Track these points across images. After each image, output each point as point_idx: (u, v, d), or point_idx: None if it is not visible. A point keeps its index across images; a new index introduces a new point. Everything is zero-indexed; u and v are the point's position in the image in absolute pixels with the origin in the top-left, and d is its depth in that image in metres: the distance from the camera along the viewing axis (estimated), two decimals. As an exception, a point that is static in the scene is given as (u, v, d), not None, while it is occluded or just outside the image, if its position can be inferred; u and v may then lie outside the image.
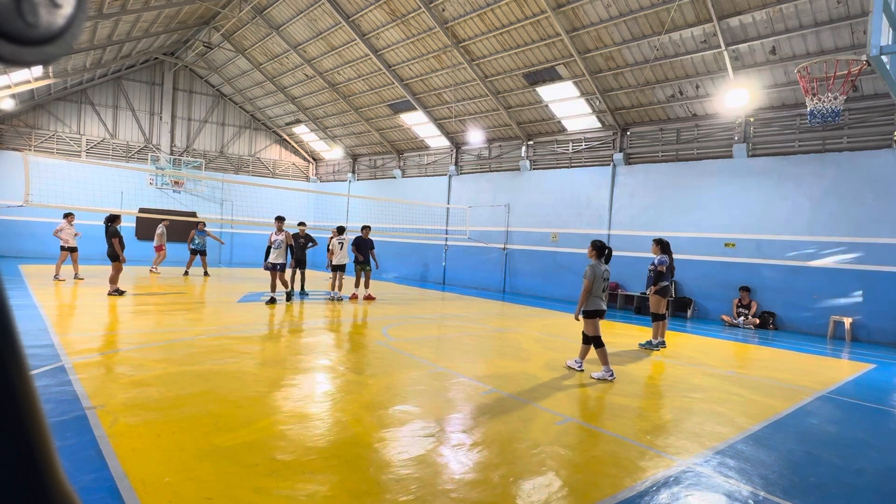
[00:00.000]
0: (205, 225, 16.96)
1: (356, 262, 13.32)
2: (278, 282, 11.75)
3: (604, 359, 6.55)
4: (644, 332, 10.40)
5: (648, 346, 8.87)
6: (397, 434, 4.29)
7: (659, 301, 8.90)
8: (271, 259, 11.69)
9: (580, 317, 6.73)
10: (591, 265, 6.69)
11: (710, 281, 13.47)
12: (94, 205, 16.94)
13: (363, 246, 13.27)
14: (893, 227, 10.97)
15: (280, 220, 11.91)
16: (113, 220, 11.62)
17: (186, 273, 16.68)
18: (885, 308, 11.00)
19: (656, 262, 8.88)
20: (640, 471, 3.84)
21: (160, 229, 16.76)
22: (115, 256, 11.41)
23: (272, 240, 11.78)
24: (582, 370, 6.84)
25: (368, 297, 13.39)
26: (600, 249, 6.76)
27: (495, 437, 4.32)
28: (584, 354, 6.89)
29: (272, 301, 11.47)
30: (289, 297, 12.09)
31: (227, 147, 24.81)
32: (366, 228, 13.57)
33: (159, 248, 16.81)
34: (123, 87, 21.98)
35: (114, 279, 11.37)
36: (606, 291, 6.78)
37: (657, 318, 8.93)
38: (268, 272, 11.86)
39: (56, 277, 13.34)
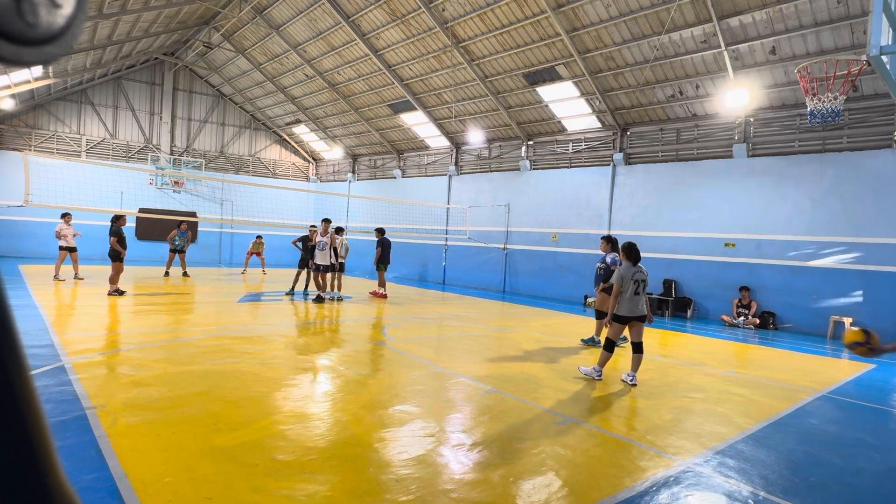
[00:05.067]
0: (188, 227, 16.92)
1: (379, 262, 14.00)
2: (325, 281, 12.42)
3: (603, 361, 6.52)
4: (647, 333, 10.37)
5: (592, 343, 8.80)
6: (397, 434, 4.29)
7: (605, 299, 8.43)
8: (317, 260, 12.27)
9: (610, 321, 6.51)
10: (620, 269, 6.39)
11: (710, 281, 13.46)
12: (95, 205, 16.93)
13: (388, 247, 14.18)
14: (893, 227, 10.97)
15: (326, 221, 12.36)
16: (116, 219, 11.66)
17: (186, 273, 16.66)
18: (885, 308, 10.99)
19: (608, 260, 8.60)
20: (640, 471, 3.84)
21: (253, 241, 19.37)
22: (115, 256, 11.43)
23: (316, 241, 12.33)
24: (600, 379, 6.49)
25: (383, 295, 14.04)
26: (628, 252, 6.46)
27: (495, 437, 4.32)
28: (603, 362, 6.54)
29: (319, 300, 12.10)
30: (320, 298, 12.33)
31: (227, 147, 24.80)
32: (381, 230, 14.24)
33: (257, 255, 19.26)
34: (123, 87, 21.97)
35: (113, 279, 11.37)
36: (641, 294, 6.39)
37: (601, 315, 8.61)
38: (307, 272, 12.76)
39: (56, 277, 13.34)
